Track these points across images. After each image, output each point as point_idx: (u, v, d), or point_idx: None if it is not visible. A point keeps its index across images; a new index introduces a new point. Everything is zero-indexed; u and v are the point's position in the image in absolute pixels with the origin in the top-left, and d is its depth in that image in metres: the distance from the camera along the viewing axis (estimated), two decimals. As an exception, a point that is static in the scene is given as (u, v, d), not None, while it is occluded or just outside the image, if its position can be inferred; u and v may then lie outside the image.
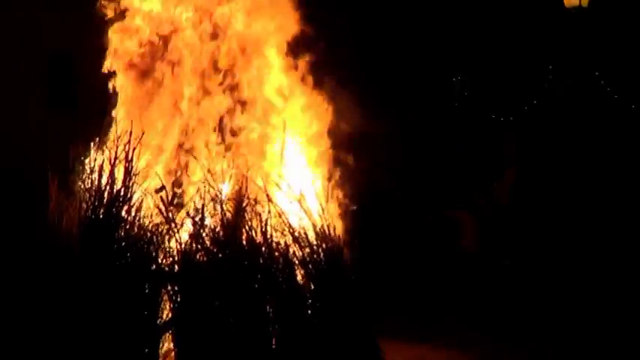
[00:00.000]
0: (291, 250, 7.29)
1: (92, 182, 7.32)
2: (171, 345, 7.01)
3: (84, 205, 7.36)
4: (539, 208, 12.78)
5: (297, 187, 7.67)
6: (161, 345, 7.04)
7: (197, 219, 7.02)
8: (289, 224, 7.35)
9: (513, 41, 21.32)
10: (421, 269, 13.11)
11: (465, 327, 9.58)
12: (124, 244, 7.06)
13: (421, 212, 14.09)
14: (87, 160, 7.56)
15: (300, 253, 7.37)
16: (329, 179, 7.94)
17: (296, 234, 7.36)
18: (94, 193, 7.22)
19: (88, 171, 7.46)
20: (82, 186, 7.54)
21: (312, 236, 7.46)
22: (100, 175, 7.22)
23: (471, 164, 17.24)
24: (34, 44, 16.20)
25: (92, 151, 7.50)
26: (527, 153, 13.29)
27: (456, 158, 18.29)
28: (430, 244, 13.41)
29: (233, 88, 7.90)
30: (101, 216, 7.07)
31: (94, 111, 8.23)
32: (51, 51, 16.96)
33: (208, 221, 7.09)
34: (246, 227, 7.08)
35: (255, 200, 7.21)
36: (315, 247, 7.44)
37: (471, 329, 9.41)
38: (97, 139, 7.57)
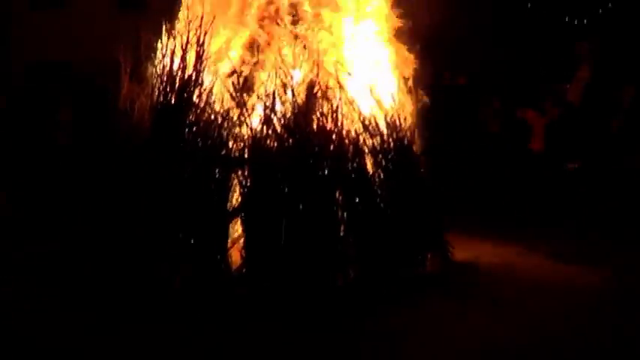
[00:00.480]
0: (361, 139, 7.24)
1: (164, 68, 7.30)
2: (241, 231, 7.04)
3: (155, 91, 7.38)
4: (610, 111, 12.40)
5: (370, 76, 7.59)
6: (231, 230, 7.08)
7: (268, 104, 6.95)
8: (360, 112, 7.28)
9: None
10: (490, 170, 13.02)
11: (530, 226, 9.48)
12: (195, 128, 7.06)
13: (492, 112, 13.85)
14: (159, 46, 7.54)
15: (370, 142, 7.33)
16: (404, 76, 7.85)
17: (366, 122, 7.29)
18: (165, 79, 7.20)
19: (160, 57, 7.44)
20: (154, 72, 7.55)
21: (382, 125, 7.40)
22: (172, 61, 7.19)
23: (544, 63, 16.87)
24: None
25: (164, 37, 7.44)
26: (601, 53, 12.83)
27: (529, 58, 17.93)
28: (500, 144, 13.22)
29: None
30: (173, 101, 7.05)
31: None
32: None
33: (279, 107, 7.02)
34: (317, 114, 7.01)
35: (327, 87, 7.11)
36: (385, 137, 7.39)
37: (536, 229, 9.30)
38: (169, 24, 7.50)
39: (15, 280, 7.20)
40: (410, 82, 7.82)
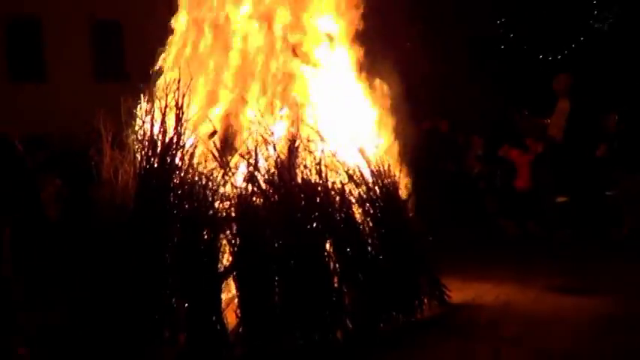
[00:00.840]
0: (347, 189, 7.23)
1: (144, 133, 7.29)
2: (234, 291, 6.98)
3: (138, 157, 7.37)
4: (594, 139, 12.47)
5: (351, 128, 7.62)
6: (223, 291, 7.01)
7: (251, 161, 6.94)
8: (344, 163, 7.28)
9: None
10: (475, 208, 13.09)
11: (523, 264, 9.46)
12: (179, 191, 7.02)
13: (475, 152, 13.92)
14: (138, 112, 7.56)
15: (357, 192, 7.32)
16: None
17: (351, 172, 7.29)
18: (147, 144, 7.18)
19: (140, 122, 7.44)
20: (136, 138, 7.55)
21: (367, 174, 7.41)
22: (152, 125, 7.17)
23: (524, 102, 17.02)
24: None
25: (143, 102, 7.46)
26: (581, 87, 12.94)
27: (508, 96, 18.11)
28: (485, 183, 13.26)
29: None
30: (155, 165, 7.02)
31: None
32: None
33: (262, 163, 7.01)
34: (300, 167, 7.00)
35: (308, 140, 7.12)
36: (371, 185, 7.39)
37: (529, 266, 9.28)
38: (147, 89, 7.53)
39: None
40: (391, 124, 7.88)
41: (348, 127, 7.63)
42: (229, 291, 7.05)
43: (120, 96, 7.62)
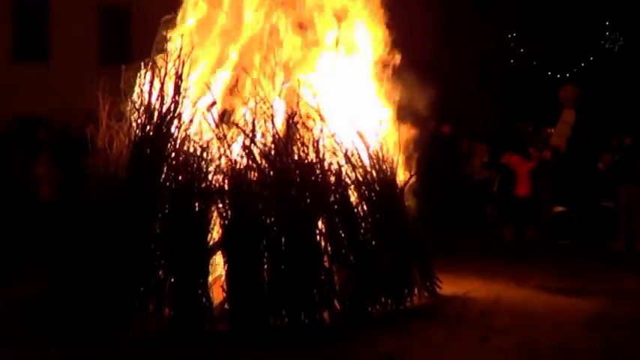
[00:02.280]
0: (343, 171, 7.14)
1: (142, 102, 7.22)
2: (223, 265, 6.86)
3: (134, 126, 7.31)
4: (593, 156, 12.44)
5: (353, 109, 7.53)
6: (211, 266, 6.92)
7: (248, 135, 6.85)
8: (342, 145, 7.19)
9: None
10: (474, 212, 13.05)
11: (518, 266, 9.39)
12: (174, 161, 6.94)
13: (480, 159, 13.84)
14: (137, 81, 7.50)
15: (353, 175, 7.23)
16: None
17: (349, 154, 7.21)
18: (143, 112, 7.11)
19: (139, 91, 7.38)
20: (133, 107, 7.48)
21: (365, 157, 7.33)
22: (150, 94, 7.10)
23: (528, 109, 16.97)
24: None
25: (142, 71, 7.40)
26: (586, 99, 12.93)
27: (513, 104, 18.09)
28: (485, 188, 13.18)
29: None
30: (151, 133, 6.94)
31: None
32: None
33: (259, 138, 6.93)
34: (298, 145, 6.91)
35: (307, 117, 7.03)
36: (368, 169, 7.30)
37: (524, 268, 9.20)
38: (148, 58, 7.46)
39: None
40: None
41: (350, 110, 7.51)
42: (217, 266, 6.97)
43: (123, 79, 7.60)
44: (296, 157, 6.89)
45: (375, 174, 7.33)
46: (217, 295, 6.78)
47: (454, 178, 13.76)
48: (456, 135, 14.53)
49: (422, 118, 12.00)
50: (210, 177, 6.88)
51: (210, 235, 6.83)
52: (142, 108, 7.12)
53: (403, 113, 8.04)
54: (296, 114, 6.97)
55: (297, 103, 7.04)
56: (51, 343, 6.24)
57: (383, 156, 7.45)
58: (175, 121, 6.93)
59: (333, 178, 7.03)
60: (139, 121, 7.11)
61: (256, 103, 6.99)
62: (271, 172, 6.83)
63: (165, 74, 7.03)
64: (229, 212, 6.75)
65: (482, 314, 6.91)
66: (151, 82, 7.07)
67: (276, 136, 6.85)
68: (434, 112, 14.56)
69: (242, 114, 7.13)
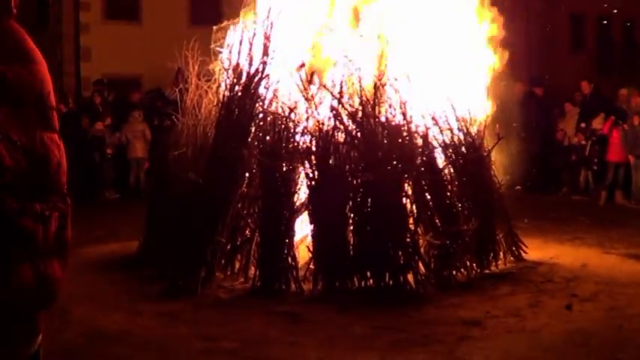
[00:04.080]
0: (430, 133, 7.12)
1: (230, 62, 7.31)
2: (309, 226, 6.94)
3: (222, 86, 7.42)
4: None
5: (443, 71, 7.49)
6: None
7: (335, 96, 6.88)
8: (429, 107, 7.17)
9: None
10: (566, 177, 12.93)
11: (607, 232, 9.25)
12: (261, 122, 7.02)
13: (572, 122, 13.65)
14: (226, 42, 7.60)
15: (440, 137, 7.22)
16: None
17: (436, 116, 7.18)
18: (232, 73, 7.19)
19: (228, 51, 7.47)
20: (221, 68, 7.59)
21: (453, 122, 7.30)
22: (239, 54, 7.17)
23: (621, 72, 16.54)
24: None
25: (232, 31, 7.49)
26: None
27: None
28: (579, 153, 13.02)
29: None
30: (239, 93, 7.02)
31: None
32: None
33: (347, 99, 6.95)
34: (385, 106, 6.92)
35: (396, 79, 7.01)
36: (455, 132, 7.28)
37: (613, 235, 9.05)
38: (237, 19, 7.54)
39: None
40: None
41: (439, 72, 7.47)
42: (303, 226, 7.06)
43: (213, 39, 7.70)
44: (383, 119, 6.89)
45: (462, 137, 7.30)
46: (303, 255, 6.88)
47: (546, 143, 13.59)
48: (549, 97, 14.32)
49: (513, 80, 11.96)
50: (297, 138, 6.94)
51: (296, 196, 6.92)
52: (231, 68, 7.19)
53: (496, 76, 8.00)
54: (383, 75, 6.95)
55: (386, 64, 7.01)
56: (139, 299, 6.43)
57: (471, 119, 7.41)
58: (263, 82, 6.98)
59: (420, 141, 7.03)
60: (228, 81, 7.19)
61: (344, 64, 6.99)
62: (358, 134, 6.86)
63: (254, 35, 7.08)
64: (316, 173, 6.80)
65: (568, 280, 6.83)
66: (240, 43, 7.12)
67: (364, 98, 6.86)
68: (526, 74, 14.42)
69: (330, 75, 7.15)
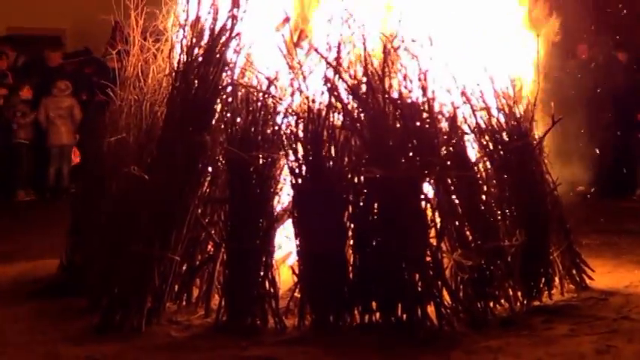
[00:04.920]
0: (460, 114, 7.22)
1: (188, 15, 7.36)
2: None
3: (176, 48, 7.48)
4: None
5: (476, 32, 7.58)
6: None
7: (331, 64, 6.95)
8: (458, 78, 7.26)
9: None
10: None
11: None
12: (230, 98, 7.10)
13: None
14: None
15: (473, 120, 7.31)
16: None
17: (468, 92, 7.28)
18: (189, 31, 7.23)
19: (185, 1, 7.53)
20: (175, 24, 7.65)
21: (490, 97, 7.38)
22: (200, 5, 7.22)
23: None
24: None
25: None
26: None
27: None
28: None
29: None
30: (200, 58, 7.09)
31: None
32: None
33: (346, 68, 7.02)
34: (398, 77, 7.00)
35: (413, 41, 7.10)
36: (494, 113, 7.37)
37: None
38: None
39: None
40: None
41: (471, 33, 7.57)
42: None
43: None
44: (395, 95, 6.99)
45: (503, 120, 7.40)
46: (286, 278, 6.98)
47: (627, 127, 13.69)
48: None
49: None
50: (278, 119, 7.03)
51: (277, 198, 7.03)
52: (189, 24, 7.24)
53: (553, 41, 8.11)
54: (396, 37, 7.02)
55: (400, 20, 7.08)
56: (59, 340, 6.48)
57: (515, 95, 7.49)
58: (233, 43, 7.06)
59: (445, 124, 7.12)
60: (185, 42, 7.25)
61: (343, 20, 7.06)
62: (362, 115, 6.94)
63: (221, -21, 7.16)
64: (303, 168, 6.90)
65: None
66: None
67: (369, 67, 6.94)
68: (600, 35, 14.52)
69: (324, 35, 7.22)
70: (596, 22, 14.61)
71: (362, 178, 6.90)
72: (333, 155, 6.91)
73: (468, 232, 6.99)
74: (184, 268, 7.17)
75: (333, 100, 6.95)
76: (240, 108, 7.06)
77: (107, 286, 7.02)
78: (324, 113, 6.92)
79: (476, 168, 7.26)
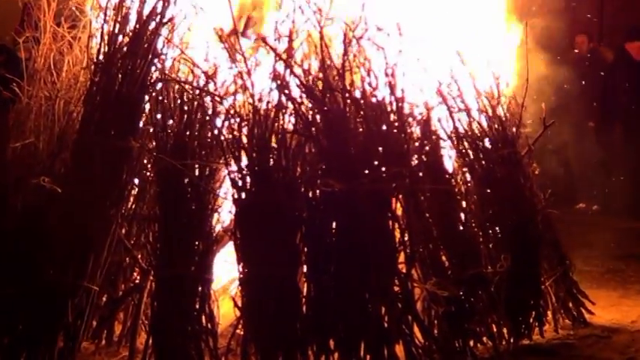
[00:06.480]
0: (435, 116, 7.29)
1: (110, -1, 7.41)
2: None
3: (96, 36, 7.51)
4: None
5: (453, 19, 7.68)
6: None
7: (281, 56, 7.02)
8: (430, 72, 7.34)
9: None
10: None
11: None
12: (160, 96, 7.13)
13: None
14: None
15: (450, 124, 7.39)
16: None
17: (444, 90, 7.36)
18: (112, 15, 7.27)
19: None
20: (96, 6, 7.70)
21: (470, 96, 7.47)
22: (123, -13, 7.28)
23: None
24: None
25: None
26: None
27: None
28: None
29: None
30: (124, 48, 7.13)
31: None
32: None
33: (300, 62, 7.09)
34: (360, 72, 7.06)
35: (378, 30, 7.17)
36: (474, 116, 7.45)
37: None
38: None
39: None
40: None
41: (447, 19, 7.66)
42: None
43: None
44: (358, 94, 7.06)
45: (485, 123, 7.49)
46: (227, 312, 7.04)
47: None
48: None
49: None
50: (218, 122, 7.09)
51: (216, 216, 7.08)
52: (111, 7, 7.28)
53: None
54: (359, 24, 7.10)
55: (362, 7, 7.14)
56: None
57: (499, 94, 7.59)
58: (164, 31, 7.11)
59: (417, 129, 7.20)
60: (106, 28, 7.28)
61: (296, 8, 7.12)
62: (317, 117, 7.02)
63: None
64: (248, 179, 6.94)
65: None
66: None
67: (327, 60, 7.02)
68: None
69: (273, 23, 7.27)
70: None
71: (317, 192, 6.94)
72: (284, 165, 6.93)
73: (443, 257, 7.05)
74: (104, 299, 7.16)
75: (283, 99, 6.99)
76: (172, 108, 7.10)
77: (9, 322, 7.00)
78: (272, 115, 6.97)
79: (453, 181, 7.31)
